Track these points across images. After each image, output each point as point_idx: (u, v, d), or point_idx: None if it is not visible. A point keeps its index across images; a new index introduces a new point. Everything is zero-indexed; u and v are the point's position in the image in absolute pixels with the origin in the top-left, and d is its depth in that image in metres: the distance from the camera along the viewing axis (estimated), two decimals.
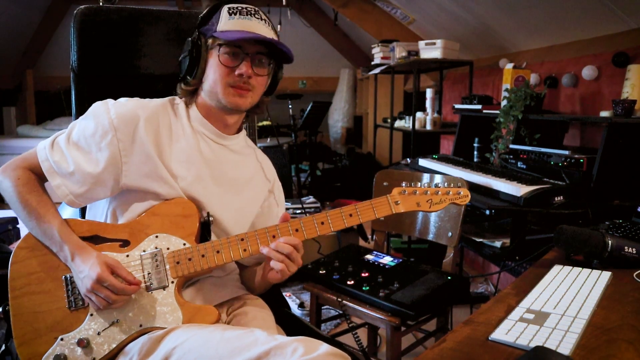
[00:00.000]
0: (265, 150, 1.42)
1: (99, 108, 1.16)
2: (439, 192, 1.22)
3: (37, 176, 1.17)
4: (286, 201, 1.46)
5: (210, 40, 1.18)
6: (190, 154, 1.20)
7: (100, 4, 1.75)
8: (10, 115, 6.20)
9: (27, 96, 6.34)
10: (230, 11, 1.17)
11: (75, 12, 1.37)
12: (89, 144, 1.15)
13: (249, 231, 1.16)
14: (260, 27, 1.17)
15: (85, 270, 1.06)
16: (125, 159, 1.14)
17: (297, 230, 1.16)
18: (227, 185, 1.25)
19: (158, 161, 1.16)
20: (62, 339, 1.07)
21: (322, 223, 1.17)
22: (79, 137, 1.16)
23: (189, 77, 1.21)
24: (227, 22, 1.16)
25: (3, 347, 1.20)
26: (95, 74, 1.42)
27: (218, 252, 1.14)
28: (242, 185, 1.28)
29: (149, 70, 1.45)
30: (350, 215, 1.17)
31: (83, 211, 1.36)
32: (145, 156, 1.15)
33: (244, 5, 1.18)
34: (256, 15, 1.18)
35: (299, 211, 3.39)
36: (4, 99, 6.18)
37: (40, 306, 1.09)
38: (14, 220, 2.95)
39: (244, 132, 1.33)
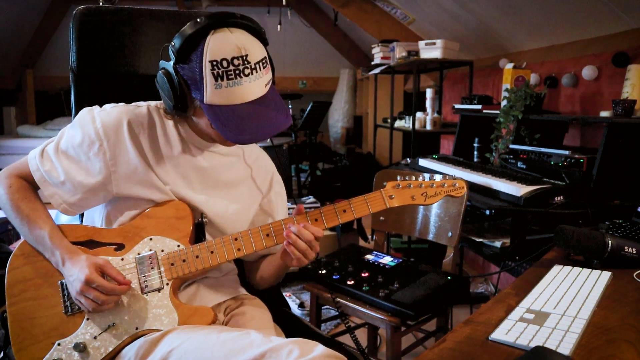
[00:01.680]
0: (265, 150, 1.40)
1: (84, 117, 1.14)
2: (434, 185, 1.20)
3: (29, 184, 1.17)
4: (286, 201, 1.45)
5: (197, 101, 1.05)
6: (180, 161, 1.18)
7: (100, 4, 1.75)
8: (10, 115, 6.21)
9: (27, 96, 6.35)
10: (216, 74, 1.00)
11: (74, 12, 1.37)
12: (78, 153, 1.13)
13: (243, 230, 1.16)
14: (251, 88, 1.03)
15: (75, 273, 1.06)
16: (114, 167, 1.13)
17: None
18: (220, 189, 1.23)
19: (148, 168, 1.15)
20: (59, 344, 1.07)
21: (316, 220, 1.16)
22: (67, 147, 1.14)
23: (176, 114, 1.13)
24: (214, 93, 1.01)
25: (2, 354, 1.20)
26: (95, 74, 1.42)
27: (212, 252, 1.14)
28: (236, 187, 1.26)
29: (148, 71, 1.45)
30: (344, 211, 1.16)
31: (81, 214, 1.36)
32: (133, 165, 1.14)
33: (230, 56, 1.00)
34: (245, 71, 1.01)
35: None
36: (4, 99, 6.18)
37: (37, 312, 1.09)
38: None
39: None
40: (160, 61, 1.10)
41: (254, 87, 1.03)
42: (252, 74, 1.02)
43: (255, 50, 1.04)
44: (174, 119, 1.18)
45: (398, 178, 1.20)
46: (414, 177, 1.21)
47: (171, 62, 1.06)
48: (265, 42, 1.09)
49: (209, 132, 1.13)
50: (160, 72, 1.08)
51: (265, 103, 1.06)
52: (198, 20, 1.02)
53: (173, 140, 1.18)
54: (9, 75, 6.15)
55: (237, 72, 1.00)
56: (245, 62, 1.01)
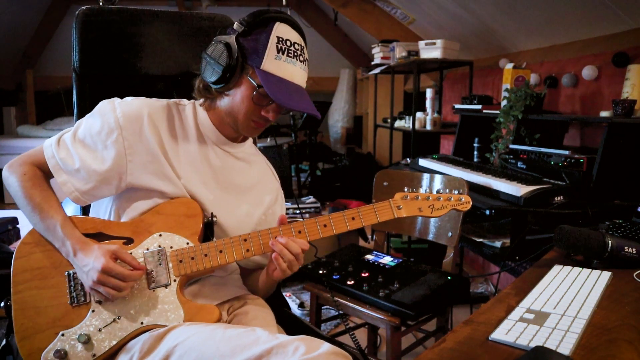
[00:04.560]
0: (265, 150, 1.41)
1: (105, 106, 1.17)
2: (441, 198, 1.24)
3: (43, 172, 1.18)
4: (286, 201, 1.46)
5: (250, 70, 1.13)
6: (195, 157, 1.21)
7: (101, 4, 1.76)
8: (10, 115, 6.20)
9: (27, 96, 6.34)
10: (279, 47, 1.11)
11: (77, 12, 1.38)
12: (95, 142, 1.15)
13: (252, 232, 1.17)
14: (299, 75, 1.15)
15: (90, 262, 1.07)
16: (130, 157, 1.15)
17: (299, 232, 1.17)
18: (230, 191, 1.25)
19: (163, 160, 1.17)
20: (63, 335, 1.08)
21: (325, 225, 1.18)
22: (85, 135, 1.16)
23: (213, 87, 1.17)
24: (272, 62, 1.11)
25: (4, 342, 1.21)
26: (97, 74, 1.42)
27: (221, 252, 1.15)
28: (246, 191, 1.28)
29: (149, 71, 1.45)
30: (353, 218, 1.19)
31: (86, 209, 1.36)
32: (150, 155, 1.16)
33: (293, 40, 1.13)
34: (300, 58, 1.15)
35: (298, 211, 3.39)
36: (4, 99, 6.18)
37: (42, 301, 1.10)
38: (14, 221, 2.96)
39: (250, 140, 1.33)
40: (217, 36, 1.15)
41: (302, 74, 1.16)
42: (304, 63, 1.16)
43: (306, 50, 1.18)
44: (194, 108, 1.23)
45: (405, 189, 1.24)
46: (420, 188, 1.24)
47: (233, 35, 1.13)
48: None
49: (239, 109, 1.16)
50: (215, 43, 1.14)
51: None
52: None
53: (190, 136, 1.21)
54: (9, 75, 6.15)
55: (296, 54, 1.14)
56: (302, 52, 1.16)
